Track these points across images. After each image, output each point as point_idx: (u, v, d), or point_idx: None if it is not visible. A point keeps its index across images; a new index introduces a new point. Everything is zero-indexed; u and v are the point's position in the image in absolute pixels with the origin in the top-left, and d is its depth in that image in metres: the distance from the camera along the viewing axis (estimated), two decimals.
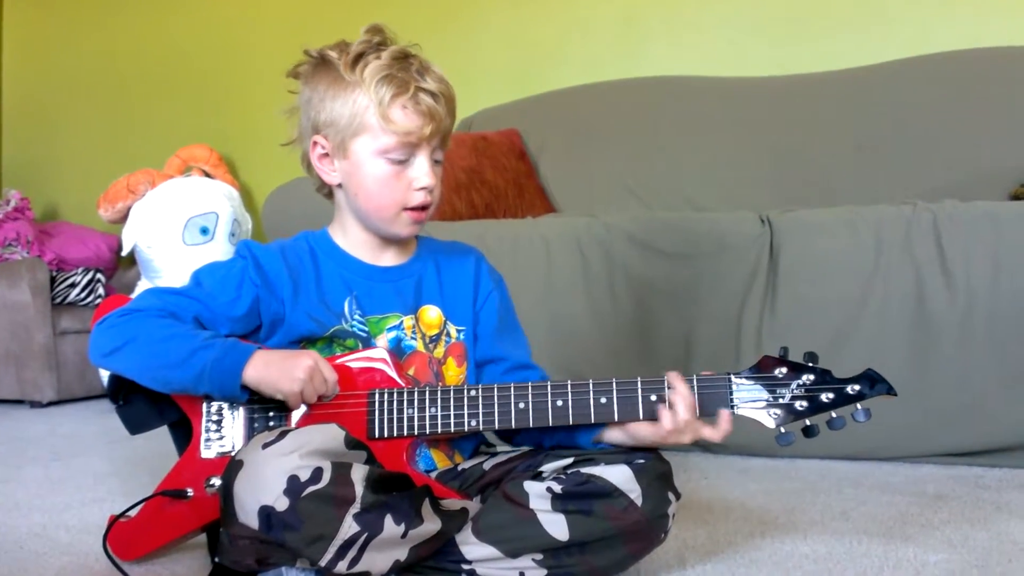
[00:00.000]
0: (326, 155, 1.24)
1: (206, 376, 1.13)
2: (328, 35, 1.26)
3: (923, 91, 2.58)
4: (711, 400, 1.13)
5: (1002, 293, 1.79)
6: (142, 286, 3.09)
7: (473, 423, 1.16)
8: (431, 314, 1.28)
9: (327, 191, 1.29)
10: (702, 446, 2.00)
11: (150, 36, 3.86)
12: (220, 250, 3.01)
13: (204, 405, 1.21)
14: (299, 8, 3.56)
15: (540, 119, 3.03)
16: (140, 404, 1.24)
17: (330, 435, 1.04)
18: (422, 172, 1.20)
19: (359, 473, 1.00)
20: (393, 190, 1.21)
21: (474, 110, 3.13)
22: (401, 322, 1.25)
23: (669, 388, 1.12)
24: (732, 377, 1.13)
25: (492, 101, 3.16)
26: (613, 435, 1.18)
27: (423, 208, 1.23)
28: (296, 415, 1.18)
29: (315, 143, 1.24)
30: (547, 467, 1.16)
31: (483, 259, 1.36)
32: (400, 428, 1.16)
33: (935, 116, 2.54)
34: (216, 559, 1.09)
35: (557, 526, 1.08)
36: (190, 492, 1.17)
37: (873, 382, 1.10)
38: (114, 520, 1.21)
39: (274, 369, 1.13)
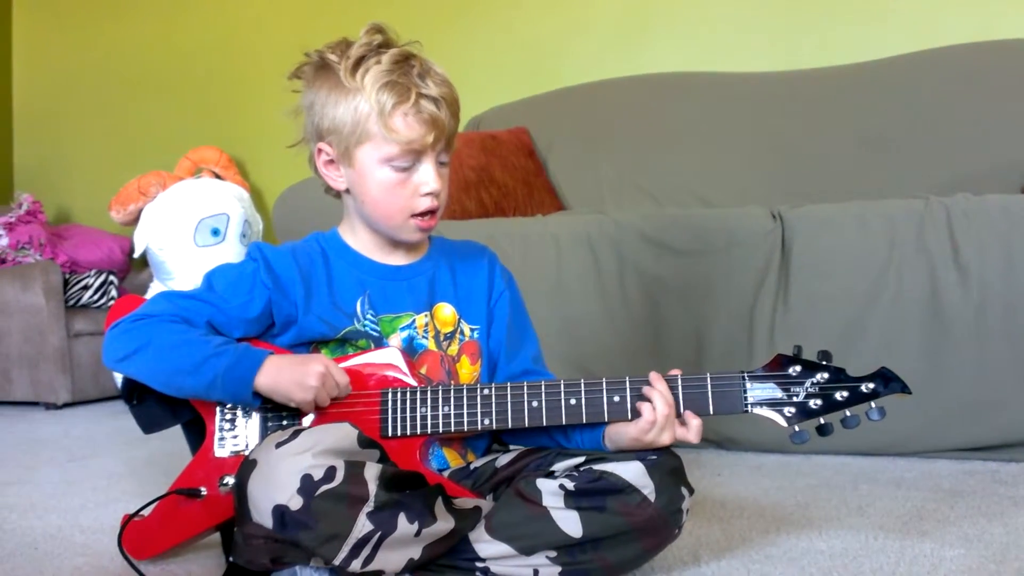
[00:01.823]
0: (331, 161, 1.24)
1: (218, 384, 1.14)
2: (335, 35, 1.25)
3: (933, 85, 2.56)
4: (725, 399, 1.13)
5: (1016, 286, 1.78)
6: (154, 287, 3.10)
7: (486, 422, 1.16)
8: (446, 311, 1.28)
9: (335, 192, 1.29)
10: (715, 442, 2.00)
11: (158, 39, 3.88)
12: (231, 251, 3.02)
13: (218, 404, 1.21)
14: (305, 8, 3.56)
15: (549, 117, 3.02)
16: (153, 404, 1.25)
17: (343, 434, 1.04)
18: (428, 177, 1.20)
19: (372, 472, 1.00)
20: (399, 197, 1.20)
21: (482, 109, 3.13)
22: (413, 321, 1.25)
23: (648, 386, 1.13)
24: (746, 376, 1.13)
25: (500, 99, 3.16)
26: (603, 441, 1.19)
27: (430, 212, 1.22)
28: (309, 415, 1.18)
29: (320, 150, 1.23)
30: (559, 465, 1.16)
31: (496, 259, 1.36)
32: (413, 427, 1.16)
33: (945, 110, 2.53)
34: (230, 558, 1.10)
35: (571, 523, 1.08)
36: (204, 491, 1.18)
37: (887, 380, 1.10)
38: (128, 519, 1.22)
39: (285, 378, 1.14)
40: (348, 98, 1.18)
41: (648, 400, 1.13)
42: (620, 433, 1.16)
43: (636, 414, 1.14)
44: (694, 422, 1.13)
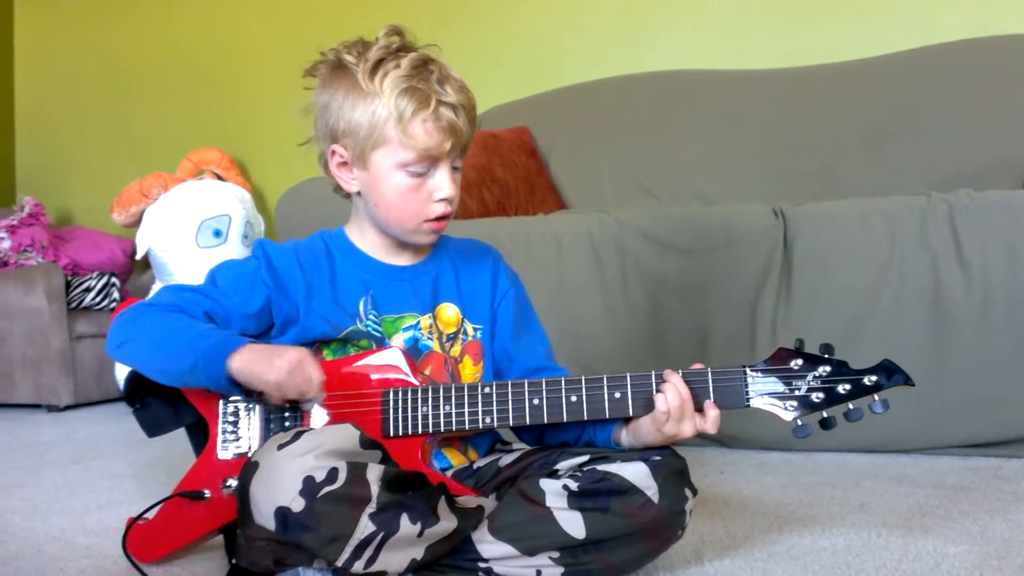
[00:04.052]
0: (344, 163, 1.23)
1: (199, 366, 1.13)
2: (337, 36, 1.25)
3: (934, 81, 2.56)
4: (727, 393, 1.12)
5: (1019, 282, 1.78)
6: (156, 289, 3.10)
7: (487, 420, 1.15)
8: (449, 312, 1.28)
9: (345, 193, 1.29)
10: (717, 440, 2.00)
11: (160, 40, 3.88)
12: (233, 252, 3.02)
13: (220, 406, 1.21)
14: (308, 9, 3.56)
15: (550, 116, 3.02)
16: (157, 407, 1.25)
17: (345, 435, 1.04)
18: (443, 184, 1.19)
19: (374, 473, 1.00)
20: (413, 202, 1.20)
21: (484, 108, 3.12)
22: (418, 322, 1.25)
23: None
24: (747, 370, 1.12)
25: (502, 98, 3.16)
26: (621, 437, 1.18)
27: (443, 218, 1.22)
28: (314, 417, 1.18)
29: (333, 151, 1.23)
30: (562, 465, 1.16)
31: (500, 258, 1.36)
32: (415, 426, 1.15)
33: (946, 106, 2.53)
34: (233, 560, 1.10)
35: (574, 524, 1.08)
36: (207, 493, 1.18)
37: (890, 373, 1.09)
38: (132, 522, 1.22)
39: (258, 360, 1.12)
40: (366, 101, 1.17)
41: (662, 391, 1.11)
42: (639, 425, 1.15)
43: (640, 411, 1.13)
44: (712, 412, 1.11)
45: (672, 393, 1.11)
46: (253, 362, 1.12)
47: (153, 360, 1.18)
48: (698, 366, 1.14)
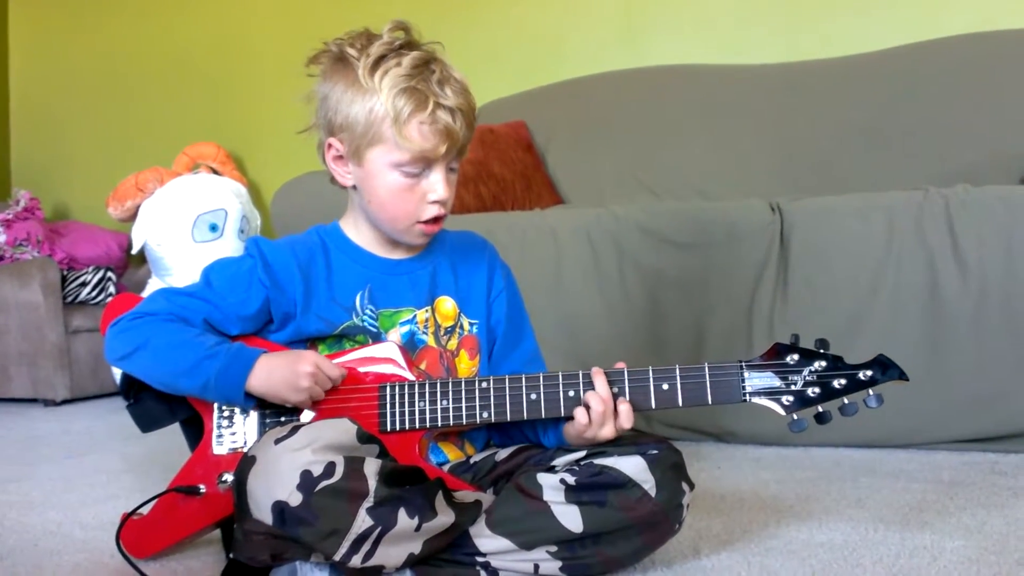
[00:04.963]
0: (340, 157, 1.23)
1: (211, 386, 1.15)
2: (335, 31, 1.24)
3: (932, 76, 2.56)
4: (723, 388, 1.12)
5: (1016, 277, 1.78)
6: (153, 284, 3.10)
7: (485, 415, 1.15)
8: (447, 305, 1.28)
9: (341, 185, 1.28)
10: (714, 435, 2.00)
11: (156, 35, 3.87)
12: (229, 247, 3.01)
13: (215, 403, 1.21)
14: (306, 4, 3.55)
15: (547, 110, 3.02)
16: (151, 402, 1.25)
17: (342, 429, 1.04)
18: (437, 186, 1.19)
19: (372, 467, 1.00)
20: (406, 203, 1.20)
21: (480, 102, 3.10)
22: (414, 316, 1.25)
23: (588, 386, 1.14)
24: (743, 365, 1.12)
25: (498, 93, 3.15)
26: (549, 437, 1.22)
27: (436, 220, 1.22)
28: (305, 413, 1.18)
29: (330, 144, 1.22)
30: (560, 459, 1.16)
31: (495, 254, 1.36)
32: (412, 421, 1.16)
33: (945, 101, 2.52)
34: (231, 555, 1.10)
35: (571, 518, 1.08)
36: (202, 488, 1.18)
37: (885, 367, 1.10)
38: (126, 517, 1.22)
39: (276, 380, 1.14)
40: (364, 98, 1.16)
41: (586, 402, 1.13)
42: (566, 431, 1.18)
43: (639, 405, 1.14)
44: (623, 407, 1.13)
45: (595, 401, 1.13)
46: (272, 384, 1.14)
47: (160, 375, 1.19)
48: (620, 365, 1.16)
